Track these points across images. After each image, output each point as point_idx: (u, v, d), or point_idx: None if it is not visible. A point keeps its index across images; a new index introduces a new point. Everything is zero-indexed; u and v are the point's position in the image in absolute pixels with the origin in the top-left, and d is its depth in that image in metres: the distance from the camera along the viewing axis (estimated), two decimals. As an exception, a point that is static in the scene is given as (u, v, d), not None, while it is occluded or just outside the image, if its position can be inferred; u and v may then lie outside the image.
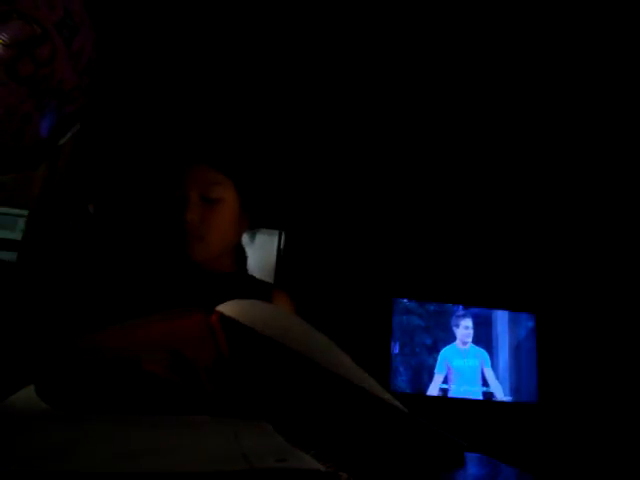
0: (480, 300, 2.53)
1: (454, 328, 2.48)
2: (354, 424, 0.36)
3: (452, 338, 2.47)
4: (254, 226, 0.99)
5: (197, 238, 0.85)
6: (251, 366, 0.39)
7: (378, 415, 0.36)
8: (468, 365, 2.44)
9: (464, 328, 2.48)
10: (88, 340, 0.43)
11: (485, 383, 2.44)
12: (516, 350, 2.49)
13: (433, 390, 2.39)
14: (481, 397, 2.42)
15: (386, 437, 0.36)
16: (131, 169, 2.05)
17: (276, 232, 2.47)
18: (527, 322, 2.52)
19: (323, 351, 0.39)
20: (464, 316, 2.49)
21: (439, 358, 2.43)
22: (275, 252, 2.45)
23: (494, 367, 2.46)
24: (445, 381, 2.40)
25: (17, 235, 1.81)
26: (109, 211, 1.98)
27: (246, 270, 0.99)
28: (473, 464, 0.42)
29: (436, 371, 2.41)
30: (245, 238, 0.99)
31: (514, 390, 2.46)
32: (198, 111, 2.20)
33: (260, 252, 2.45)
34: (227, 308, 0.42)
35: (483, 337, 2.49)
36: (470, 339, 2.47)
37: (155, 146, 1.97)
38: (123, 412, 0.38)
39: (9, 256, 1.78)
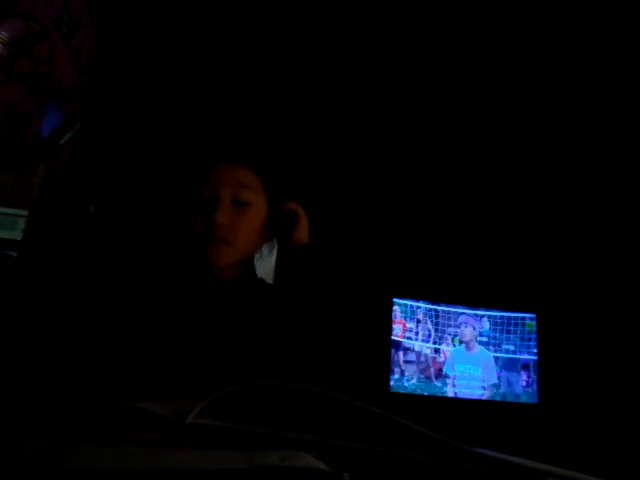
0: (480, 300, 2.52)
1: (458, 329, 2.46)
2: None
3: (460, 339, 2.44)
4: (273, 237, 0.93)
5: (224, 242, 0.80)
6: None
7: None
8: (471, 369, 2.42)
9: (465, 328, 2.46)
10: None
11: (487, 385, 2.43)
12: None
13: (437, 391, 2.38)
14: (481, 398, 2.40)
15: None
16: (140, 167, 1.99)
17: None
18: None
19: None
20: (470, 317, 2.47)
21: (447, 359, 2.41)
22: (275, 253, 2.44)
23: (500, 367, 2.44)
24: (451, 383, 2.39)
25: (17, 235, 1.80)
26: (109, 211, 1.97)
27: (255, 274, 0.95)
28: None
29: (442, 372, 2.39)
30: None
31: (515, 392, 2.45)
32: (224, 109, 2.12)
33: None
34: None
35: (493, 339, 2.47)
36: (475, 341, 2.45)
37: (176, 142, 1.89)
38: None
39: (9, 256, 1.77)
